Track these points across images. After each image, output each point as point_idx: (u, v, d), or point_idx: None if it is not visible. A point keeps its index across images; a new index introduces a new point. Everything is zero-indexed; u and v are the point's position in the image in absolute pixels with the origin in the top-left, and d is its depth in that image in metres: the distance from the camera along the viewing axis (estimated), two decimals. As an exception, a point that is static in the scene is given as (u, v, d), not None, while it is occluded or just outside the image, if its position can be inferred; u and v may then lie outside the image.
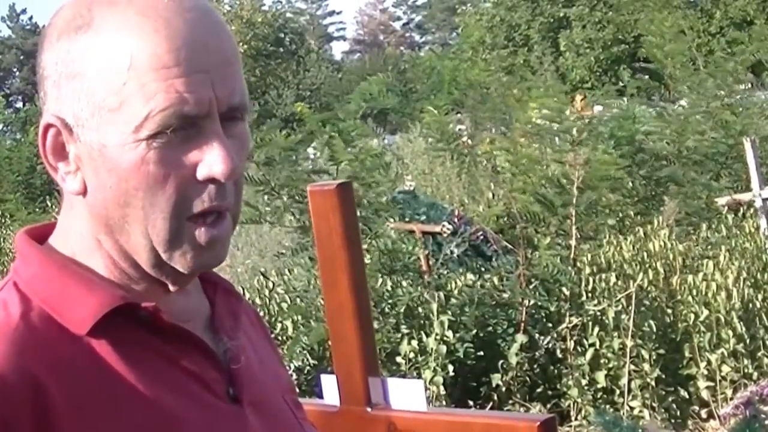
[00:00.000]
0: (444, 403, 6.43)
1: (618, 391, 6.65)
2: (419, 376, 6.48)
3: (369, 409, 2.36)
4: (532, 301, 6.99)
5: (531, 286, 7.08)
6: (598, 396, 6.70)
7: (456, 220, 9.35)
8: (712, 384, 6.57)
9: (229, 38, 1.25)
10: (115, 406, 1.19)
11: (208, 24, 1.22)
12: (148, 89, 1.18)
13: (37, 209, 18.47)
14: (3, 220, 17.38)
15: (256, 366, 1.38)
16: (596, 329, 6.74)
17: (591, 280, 7.13)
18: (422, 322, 6.93)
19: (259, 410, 1.33)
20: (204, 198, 1.21)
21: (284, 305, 7.68)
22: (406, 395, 2.33)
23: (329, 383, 2.43)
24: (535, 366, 6.95)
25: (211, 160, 1.20)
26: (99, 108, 1.20)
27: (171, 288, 1.28)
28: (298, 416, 1.44)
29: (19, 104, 59.66)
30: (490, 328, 7.02)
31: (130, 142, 1.19)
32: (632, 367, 6.57)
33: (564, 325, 6.87)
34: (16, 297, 1.23)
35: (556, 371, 6.90)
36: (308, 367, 7.04)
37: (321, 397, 2.47)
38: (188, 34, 1.19)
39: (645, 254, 7.86)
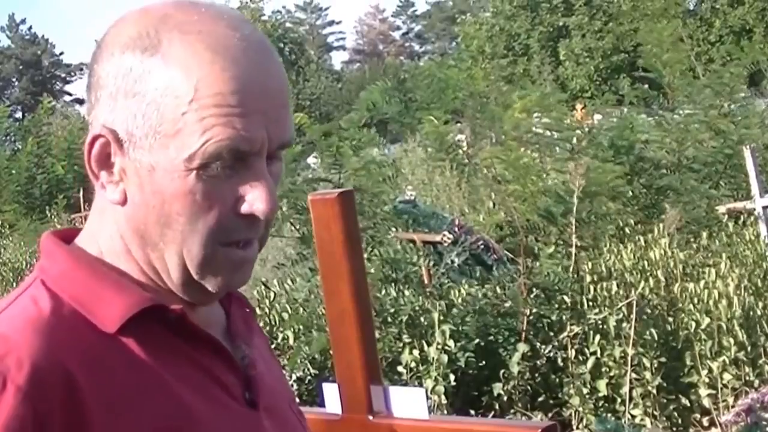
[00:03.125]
0: (446, 412, 6.42)
1: (619, 400, 6.64)
2: (421, 386, 6.48)
3: (371, 417, 2.37)
4: (533, 310, 6.99)
5: (532, 295, 7.08)
6: (600, 404, 6.69)
7: (457, 229, 9.34)
8: (713, 392, 6.56)
9: (286, 81, 1.30)
10: (142, 403, 1.22)
11: (270, 67, 1.27)
12: (207, 122, 1.22)
13: (37, 219, 18.44)
14: (2, 231, 17.36)
15: (267, 374, 1.42)
16: (597, 338, 6.73)
17: (592, 288, 7.13)
18: (424, 331, 6.92)
19: (273, 416, 1.37)
20: (240, 230, 1.27)
21: (285, 315, 7.69)
22: (408, 403, 2.34)
23: (331, 391, 2.44)
24: (537, 375, 6.94)
25: (253, 198, 1.25)
26: (155, 131, 1.23)
27: (196, 305, 1.33)
28: (304, 425, 1.48)
29: (18, 114, 59.63)
30: (492, 338, 7.02)
31: (181, 169, 1.23)
32: (633, 375, 6.57)
33: (565, 334, 6.86)
34: (45, 294, 1.26)
35: (557, 380, 6.89)
36: (309, 377, 7.04)
37: (323, 405, 2.47)
38: (252, 77, 1.24)
39: (646, 262, 7.86)
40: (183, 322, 1.29)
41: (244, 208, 1.25)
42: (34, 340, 1.19)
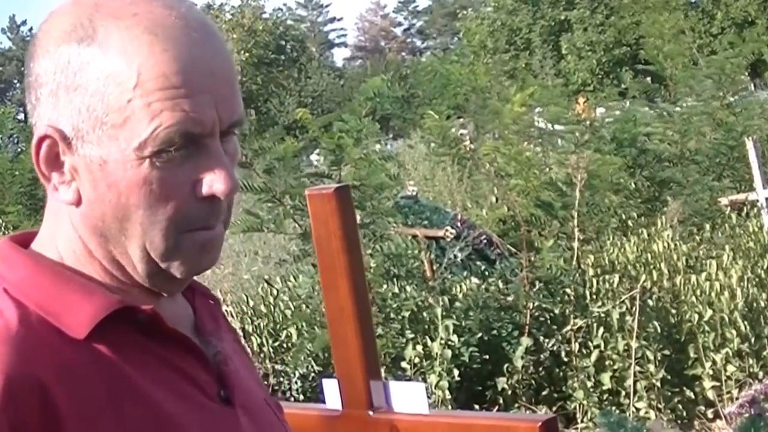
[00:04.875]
0: (450, 407, 6.42)
1: (623, 393, 6.64)
2: (424, 381, 6.48)
3: (371, 413, 2.36)
4: (536, 304, 6.99)
5: (535, 289, 7.08)
6: (604, 398, 6.69)
7: (459, 224, 9.35)
8: (717, 384, 6.56)
9: (231, 58, 1.27)
10: (116, 409, 1.19)
11: (212, 44, 1.24)
12: (154, 108, 1.18)
13: (41, 221, 18.42)
14: (6, 232, 17.38)
15: (241, 369, 1.39)
16: (601, 331, 6.73)
17: (595, 281, 7.13)
18: (427, 326, 6.92)
19: (249, 412, 1.34)
20: (202, 215, 1.23)
21: (288, 312, 7.69)
22: (408, 398, 2.33)
23: (331, 387, 2.44)
24: (541, 369, 6.94)
25: (212, 179, 1.22)
26: (101, 123, 1.20)
27: (164, 295, 1.29)
28: (281, 418, 1.45)
29: (21, 116, 59.71)
30: (495, 332, 7.01)
31: (132, 159, 1.19)
32: (637, 368, 6.57)
33: (568, 328, 6.86)
34: (9, 303, 1.22)
35: (561, 373, 6.89)
36: (313, 374, 7.05)
37: (324, 402, 2.47)
38: (195, 55, 1.20)
39: (649, 255, 7.87)
40: (154, 323, 1.25)
41: (204, 191, 1.21)
42: (4, 351, 1.16)
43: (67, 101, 1.21)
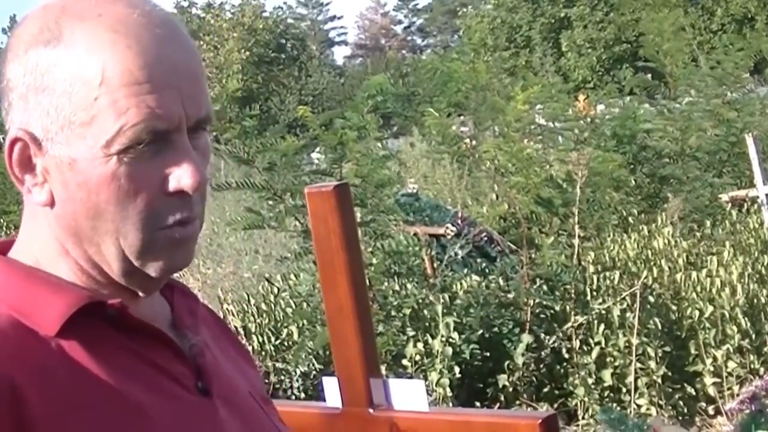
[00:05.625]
0: (451, 405, 6.42)
1: (624, 390, 6.64)
2: (425, 379, 6.48)
3: (371, 411, 2.36)
4: (536, 301, 6.99)
5: (535, 286, 7.08)
6: (605, 395, 6.69)
7: (459, 221, 9.35)
8: (718, 380, 6.56)
9: (196, 54, 1.28)
10: (88, 404, 1.20)
11: (176, 40, 1.25)
12: (119, 105, 1.19)
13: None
14: (7, 232, 17.39)
15: (221, 362, 1.40)
16: (601, 328, 6.73)
17: (595, 278, 7.13)
18: (428, 324, 6.92)
19: (229, 403, 1.35)
20: (174, 212, 1.24)
21: (289, 310, 7.68)
22: (408, 396, 2.33)
23: (331, 385, 2.43)
24: (542, 366, 6.94)
25: (179, 174, 1.23)
26: (69, 122, 1.21)
27: (141, 294, 1.30)
28: (266, 410, 1.45)
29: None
30: (496, 329, 7.02)
31: (100, 156, 1.20)
32: (638, 365, 6.57)
33: (569, 325, 6.86)
34: None
35: (562, 371, 6.89)
36: (314, 372, 7.05)
37: (324, 400, 2.47)
38: (159, 51, 1.22)
39: (649, 252, 7.87)
40: (123, 316, 1.26)
41: (172, 185, 1.22)
42: None
43: (36, 103, 1.22)
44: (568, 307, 6.93)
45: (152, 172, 1.22)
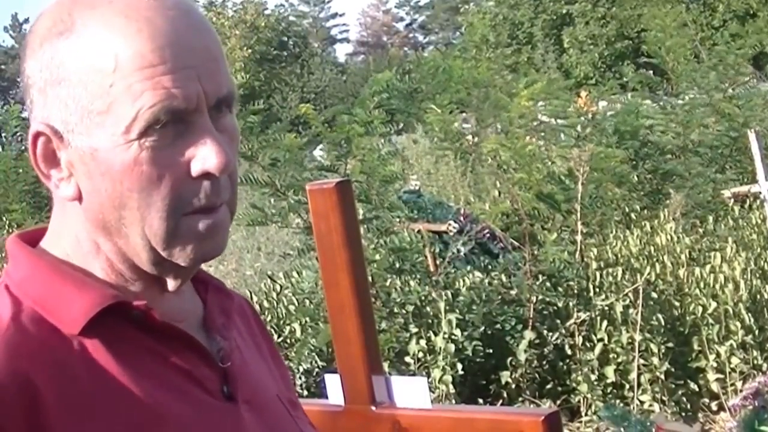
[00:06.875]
0: (454, 401, 6.41)
1: (627, 386, 6.64)
2: (428, 376, 6.47)
3: (373, 408, 2.36)
4: (539, 298, 6.98)
5: (538, 283, 7.07)
6: (608, 391, 6.68)
7: (462, 218, 9.35)
8: (721, 376, 6.56)
9: (213, 34, 1.25)
10: (107, 405, 1.18)
11: (190, 21, 1.23)
12: (134, 89, 1.18)
13: (45, 218, 18.44)
14: (10, 230, 17.38)
15: (250, 364, 1.38)
16: (604, 324, 6.72)
17: (598, 275, 7.12)
18: (430, 321, 6.92)
19: (255, 408, 1.33)
20: (200, 195, 1.21)
21: (292, 308, 7.68)
22: (410, 393, 2.33)
23: (333, 383, 2.43)
24: (544, 362, 6.93)
25: (204, 155, 1.20)
26: (87, 112, 1.20)
27: (172, 285, 1.28)
28: (294, 414, 1.43)
29: (25, 114, 59.79)
30: (498, 326, 7.01)
31: (121, 143, 1.19)
32: (641, 361, 6.56)
33: (572, 321, 6.85)
34: (7, 300, 1.22)
35: (565, 367, 6.88)
36: (317, 369, 7.04)
37: (327, 397, 2.47)
38: (171, 32, 1.20)
39: (652, 248, 7.86)
40: (148, 318, 1.24)
41: (196, 167, 1.20)
42: None
43: (54, 96, 1.22)
44: (570, 304, 6.93)
45: (175, 156, 1.20)
